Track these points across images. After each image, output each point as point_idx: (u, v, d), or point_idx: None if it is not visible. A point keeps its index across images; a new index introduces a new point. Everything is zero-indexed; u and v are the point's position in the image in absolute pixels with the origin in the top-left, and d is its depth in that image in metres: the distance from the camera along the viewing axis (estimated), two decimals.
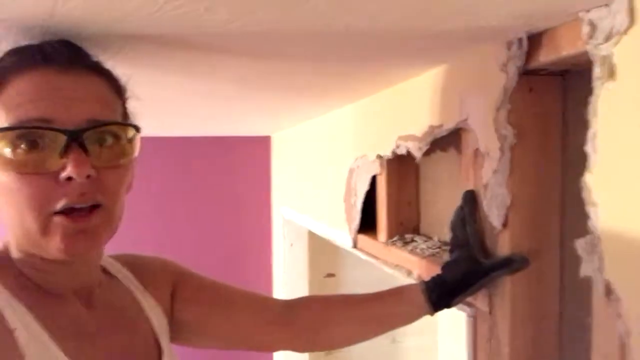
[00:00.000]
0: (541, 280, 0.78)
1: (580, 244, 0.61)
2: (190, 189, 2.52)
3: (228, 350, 0.90)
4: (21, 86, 0.56)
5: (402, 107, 1.09)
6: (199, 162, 2.53)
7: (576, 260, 0.62)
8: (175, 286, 0.80)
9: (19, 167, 0.55)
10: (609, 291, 0.58)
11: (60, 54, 0.58)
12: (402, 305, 0.84)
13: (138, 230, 2.26)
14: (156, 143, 2.38)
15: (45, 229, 0.56)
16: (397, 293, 0.85)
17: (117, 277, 0.73)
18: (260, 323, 0.86)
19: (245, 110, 1.53)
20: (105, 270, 0.72)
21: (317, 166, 1.77)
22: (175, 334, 0.79)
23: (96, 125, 0.58)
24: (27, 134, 0.55)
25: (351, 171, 1.38)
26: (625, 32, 0.53)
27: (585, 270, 0.61)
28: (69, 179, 0.55)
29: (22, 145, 0.55)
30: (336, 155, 1.53)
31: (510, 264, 0.75)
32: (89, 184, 0.56)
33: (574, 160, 0.75)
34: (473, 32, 0.69)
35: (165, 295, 0.78)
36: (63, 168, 0.55)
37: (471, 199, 0.82)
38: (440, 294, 0.80)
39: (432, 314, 0.81)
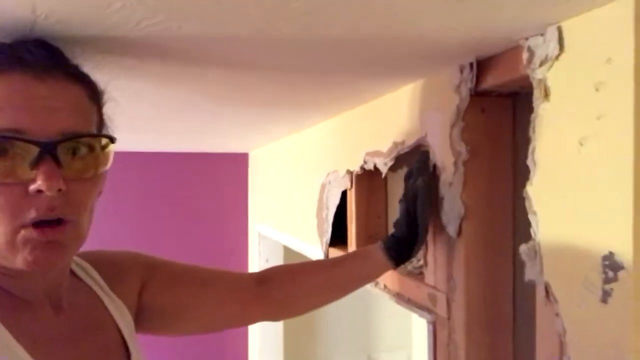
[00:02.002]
0: (495, 286, 0.84)
1: (523, 250, 0.67)
2: (168, 204, 2.54)
3: (197, 346, 0.92)
4: None
5: (370, 125, 1.15)
6: (177, 178, 2.55)
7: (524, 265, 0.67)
8: (147, 277, 0.81)
9: None
10: (548, 293, 0.63)
11: (37, 59, 0.56)
12: (367, 267, 0.91)
13: (114, 243, 2.27)
14: (132, 158, 2.40)
15: (12, 241, 0.55)
16: (360, 256, 0.93)
17: (79, 276, 0.72)
18: (236, 300, 0.89)
19: (222, 126, 1.57)
20: (70, 272, 0.71)
21: (292, 182, 1.81)
22: (151, 324, 0.80)
23: (70, 137, 0.56)
24: None
25: (323, 186, 1.43)
26: (557, 58, 0.59)
27: (528, 274, 0.67)
28: (39, 191, 0.54)
29: None
30: (309, 171, 1.58)
31: (412, 178, 0.85)
32: (58, 197, 0.55)
33: (523, 174, 0.81)
34: (430, 55, 0.75)
35: (132, 290, 0.78)
36: (33, 180, 0.54)
37: (424, 156, 0.89)
38: (398, 249, 0.87)
39: (395, 268, 0.90)
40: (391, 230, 0.91)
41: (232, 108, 1.22)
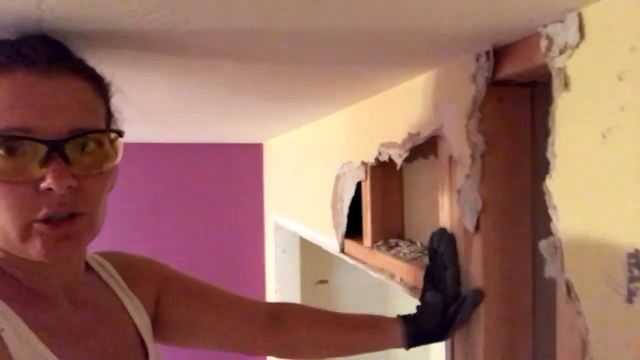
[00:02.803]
0: (514, 282, 0.81)
1: (543, 246, 0.65)
2: (183, 195, 2.55)
3: (214, 351, 0.92)
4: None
5: (385, 115, 1.13)
6: (192, 169, 2.56)
7: (544, 261, 0.65)
8: (163, 288, 0.81)
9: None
10: (569, 290, 0.61)
11: (41, 55, 0.56)
12: (383, 343, 0.89)
13: (130, 236, 2.29)
14: (148, 149, 2.41)
15: (25, 235, 0.55)
16: (378, 329, 0.89)
17: (98, 274, 0.73)
18: (245, 331, 0.89)
19: (236, 117, 1.57)
20: (88, 267, 0.72)
21: (307, 173, 1.80)
22: (164, 335, 0.81)
23: (78, 134, 0.56)
24: (6, 141, 0.53)
25: (338, 177, 1.41)
26: (577, 46, 0.57)
27: (549, 270, 0.65)
28: (49, 189, 0.54)
29: (3, 153, 0.53)
30: (324, 162, 1.56)
31: (466, 305, 0.81)
32: (69, 194, 0.55)
33: (543, 166, 0.79)
34: (445, 44, 0.73)
35: (149, 295, 0.79)
36: (43, 178, 0.54)
37: (451, 243, 0.85)
38: (417, 338, 0.86)
39: (406, 349, 0.88)
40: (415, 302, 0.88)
41: (245, 100, 1.20)
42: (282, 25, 0.62)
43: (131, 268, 0.78)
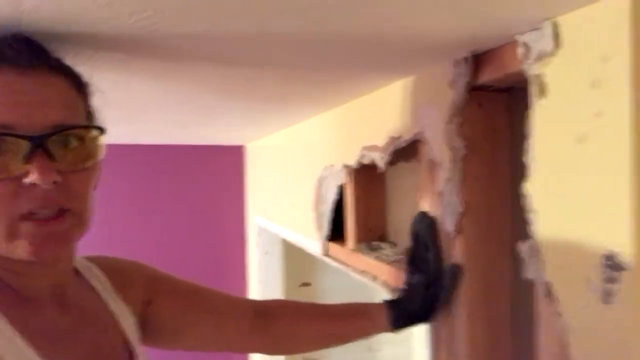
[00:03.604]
0: (495, 283, 0.83)
1: (522, 248, 0.66)
2: (165, 197, 2.53)
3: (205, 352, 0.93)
4: None
5: (367, 119, 1.14)
6: (174, 171, 2.54)
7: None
8: (152, 291, 0.81)
9: None
10: (548, 292, 0.63)
11: (20, 54, 0.56)
12: (369, 328, 0.90)
13: (111, 238, 2.27)
14: (130, 150, 2.39)
15: (11, 233, 0.55)
16: (364, 315, 0.90)
17: (86, 278, 0.73)
18: (233, 327, 0.89)
19: (218, 119, 1.56)
20: (76, 272, 0.72)
21: (289, 175, 1.80)
22: (154, 338, 0.81)
23: (60, 130, 0.56)
24: None
25: (320, 180, 1.42)
26: (553, 54, 0.58)
27: (528, 272, 0.66)
28: (34, 184, 0.54)
29: None
30: (306, 165, 1.57)
31: (445, 280, 0.82)
32: (54, 189, 0.56)
33: (522, 170, 0.80)
34: (425, 51, 0.74)
35: (137, 299, 0.78)
36: (27, 173, 0.54)
37: (432, 225, 0.86)
38: (404, 322, 0.87)
39: (394, 332, 0.89)
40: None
41: (227, 102, 1.20)
42: (264, 29, 0.62)
43: (119, 272, 0.78)
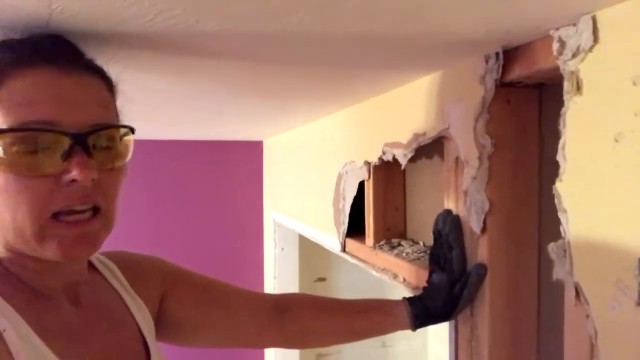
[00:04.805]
0: (519, 283, 0.82)
1: (552, 248, 0.65)
2: (183, 192, 2.54)
3: (217, 350, 0.92)
4: (20, 85, 0.54)
5: (389, 115, 1.12)
6: (191, 166, 2.55)
7: (552, 264, 0.65)
8: (168, 286, 0.81)
9: (17, 169, 0.54)
10: (578, 294, 0.61)
11: (59, 54, 0.57)
12: (389, 325, 0.89)
13: (129, 233, 2.28)
14: (148, 146, 2.40)
15: (41, 234, 0.55)
16: (384, 312, 0.89)
17: (102, 274, 0.72)
18: (252, 322, 0.89)
19: (237, 115, 1.56)
20: (91, 267, 0.71)
21: (308, 171, 1.80)
22: (170, 334, 0.80)
23: (98, 128, 0.57)
24: (27, 136, 0.53)
25: (340, 176, 1.41)
26: (590, 49, 0.56)
27: (557, 273, 0.65)
28: (73, 181, 0.55)
29: (22, 147, 0.53)
30: (326, 161, 1.56)
31: (471, 280, 0.80)
32: (91, 187, 0.56)
33: (550, 168, 0.79)
34: (454, 45, 0.72)
35: (154, 295, 0.78)
36: (65, 171, 0.55)
37: (456, 224, 0.85)
38: (424, 320, 0.86)
39: (413, 330, 0.88)
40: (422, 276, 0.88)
41: (248, 98, 1.20)
42: (291, 28, 0.62)
43: (135, 267, 0.78)
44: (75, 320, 0.63)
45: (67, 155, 0.55)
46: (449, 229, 0.85)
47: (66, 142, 0.55)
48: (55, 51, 0.57)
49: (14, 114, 0.53)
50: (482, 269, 0.80)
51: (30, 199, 0.54)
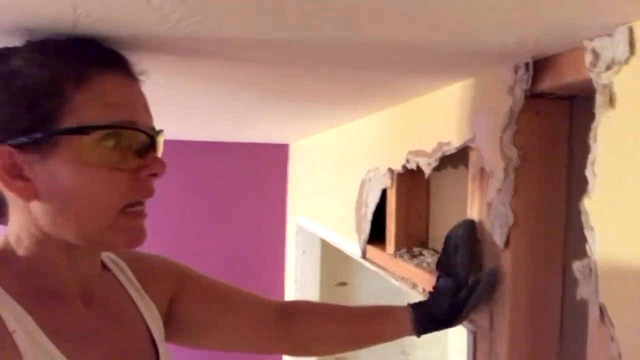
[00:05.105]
0: (542, 300, 0.79)
1: (577, 267, 0.62)
2: (207, 192, 2.56)
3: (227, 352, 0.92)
4: (104, 86, 0.58)
5: (414, 123, 1.11)
6: (216, 167, 2.57)
7: (577, 282, 0.63)
8: (178, 287, 0.81)
9: (105, 162, 0.58)
10: (603, 315, 0.59)
11: (123, 59, 0.62)
12: (392, 332, 0.88)
13: (151, 234, 2.31)
14: (172, 146, 2.42)
15: (113, 224, 0.59)
16: (387, 318, 0.88)
17: (113, 272, 0.73)
18: (257, 327, 0.89)
19: (264, 118, 1.56)
20: (102, 266, 0.72)
21: (332, 176, 1.79)
22: (178, 335, 0.80)
23: (158, 130, 0.64)
24: (115, 133, 0.58)
25: (363, 183, 1.40)
26: (626, 62, 0.54)
27: (581, 292, 0.62)
28: (152, 175, 0.61)
29: (110, 143, 0.58)
30: (350, 166, 1.55)
31: (480, 286, 0.79)
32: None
33: (579, 184, 0.76)
34: (483, 54, 0.71)
35: (163, 295, 0.78)
36: (143, 166, 0.60)
37: (469, 227, 0.84)
38: (428, 326, 0.84)
39: (417, 336, 0.87)
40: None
41: (273, 102, 1.20)
42: (315, 36, 0.61)
43: (146, 267, 0.78)
44: (87, 322, 0.63)
45: (145, 152, 0.61)
46: (461, 231, 0.83)
47: (146, 140, 0.61)
48: (119, 56, 0.62)
49: (105, 113, 0.57)
50: (493, 277, 0.78)
51: (112, 190, 0.59)
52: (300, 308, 0.93)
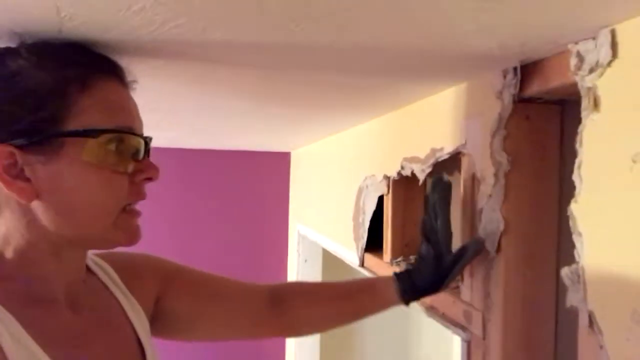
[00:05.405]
0: (535, 307, 0.78)
1: (565, 273, 0.61)
2: (210, 201, 2.56)
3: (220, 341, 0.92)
4: (106, 91, 0.60)
5: (408, 129, 1.10)
6: (218, 175, 2.57)
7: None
8: (165, 283, 0.80)
9: (107, 165, 0.59)
10: (592, 322, 0.58)
11: (119, 68, 0.64)
12: (379, 302, 0.89)
13: (152, 241, 2.31)
14: (174, 154, 2.43)
15: (115, 223, 0.62)
16: (373, 291, 0.89)
17: (97, 275, 0.72)
18: (247, 313, 0.89)
19: (261, 126, 1.56)
20: (87, 269, 0.71)
21: (331, 184, 1.79)
22: (167, 328, 0.80)
23: (149, 136, 0.66)
24: (117, 137, 0.60)
25: (360, 190, 1.39)
26: (609, 65, 0.54)
27: (570, 299, 0.61)
28: (147, 179, 0.64)
29: (112, 146, 0.59)
30: (348, 174, 1.55)
31: (466, 254, 0.79)
32: None
33: (570, 189, 0.75)
34: (470, 59, 0.70)
35: (149, 294, 0.78)
36: (138, 170, 0.63)
37: (445, 189, 0.82)
38: (413, 294, 0.85)
39: (405, 305, 0.87)
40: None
41: (267, 107, 1.20)
42: (301, 40, 0.61)
43: (129, 267, 0.78)
44: (73, 326, 0.63)
45: (141, 157, 0.63)
46: (437, 195, 0.82)
47: (142, 145, 0.63)
48: (115, 64, 0.64)
49: (108, 117, 0.59)
50: (480, 245, 0.78)
51: (114, 191, 0.61)
52: (287, 292, 0.93)
